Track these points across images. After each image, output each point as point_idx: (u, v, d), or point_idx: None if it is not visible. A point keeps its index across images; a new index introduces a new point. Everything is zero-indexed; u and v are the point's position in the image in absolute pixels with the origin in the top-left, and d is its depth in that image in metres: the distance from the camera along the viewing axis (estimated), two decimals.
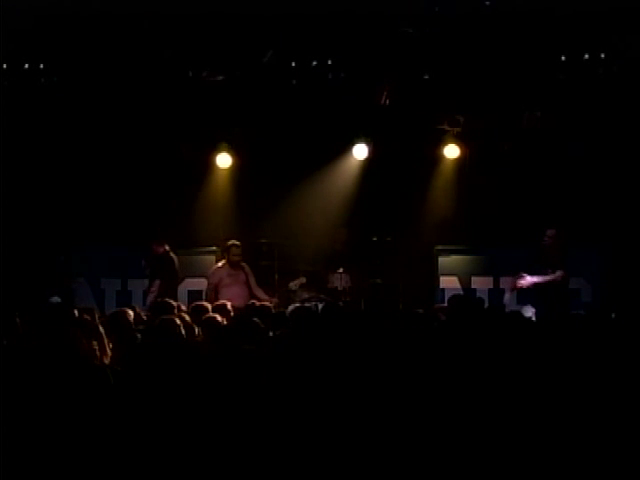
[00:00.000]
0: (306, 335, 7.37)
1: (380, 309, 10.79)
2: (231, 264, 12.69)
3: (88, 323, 7.91)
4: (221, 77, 12.53)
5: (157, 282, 12.41)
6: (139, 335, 7.89)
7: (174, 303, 9.79)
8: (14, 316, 8.30)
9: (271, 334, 8.07)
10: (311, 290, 12.76)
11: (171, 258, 12.63)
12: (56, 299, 11.86)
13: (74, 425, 5.56)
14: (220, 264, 12.79)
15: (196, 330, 7.98)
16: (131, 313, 8.73)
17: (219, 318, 8.42)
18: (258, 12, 11.46)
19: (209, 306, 9.58)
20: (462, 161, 13.26)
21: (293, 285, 12.69)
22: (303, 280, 12.67)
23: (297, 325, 8.02)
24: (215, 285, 12.63)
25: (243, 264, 12.78)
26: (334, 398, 5.91)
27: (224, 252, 12.85)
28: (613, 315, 8.83)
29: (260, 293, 12.57)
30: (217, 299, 11.68)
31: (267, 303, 10.19)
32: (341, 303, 12.21)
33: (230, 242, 12.73)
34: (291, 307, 10.10)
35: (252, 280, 12.77)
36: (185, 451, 5.56)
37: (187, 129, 12.95)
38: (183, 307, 10.08)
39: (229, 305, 9.78)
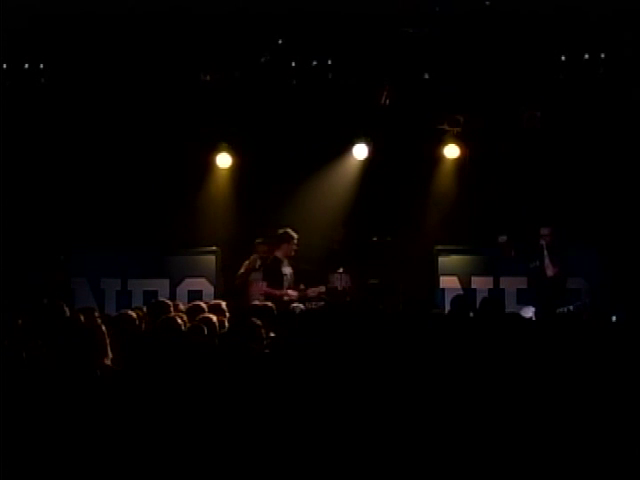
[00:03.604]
0: (306, 335, 7.37)
1: (378, 309, 10.78)
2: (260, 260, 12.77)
3: (86, 324, 7.91)
4: (221, 77, 12.54)
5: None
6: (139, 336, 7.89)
7: (169, 302, 9.81)
8: (14, 317, 8.30)
9: (272, 334, 8.08)
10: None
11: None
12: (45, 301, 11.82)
13: (73, 426, 5.57)
14: (252, 257, 12.86)
15: (205, 329, 7.95)
16: (134, 315, 8.71)
17: (214, 318, 8.41)
18: (258, 12, 11.47)
19: (205, 306, 9.58)
20: (462, 161, 13.26)
21: (312, 292, 12.55)
22: (322, 289, 12.53)
23: (297, 325, 8.02)
24: (245, 276, 12.72)
25: None
26: (334, 398, 5.91)
27: (253, 250, 12.88)
28: (614, 318, 8.84)
29: (290, 292, 12.54)
30: (248, 291, 12.21)
31: (269, 303, 10.17)
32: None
33: (258, 240, 12.79)
34: (292, 306, 10.09)
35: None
36: (186, 451, 5.57)
37: (187, 129, 12.94)
38: (181, 307, 10.07)
39: (224, 305, 9.79)
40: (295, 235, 12.29)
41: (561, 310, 10.80)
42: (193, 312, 9.08)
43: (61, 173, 13.34)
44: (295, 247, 12.34)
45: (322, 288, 12.48)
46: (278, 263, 12.27)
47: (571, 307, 10.91)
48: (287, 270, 12.35)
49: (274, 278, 12.19)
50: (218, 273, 13.34)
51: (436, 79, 12.45)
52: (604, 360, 6.55)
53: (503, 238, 12.13)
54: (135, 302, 12.58)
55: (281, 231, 12.35)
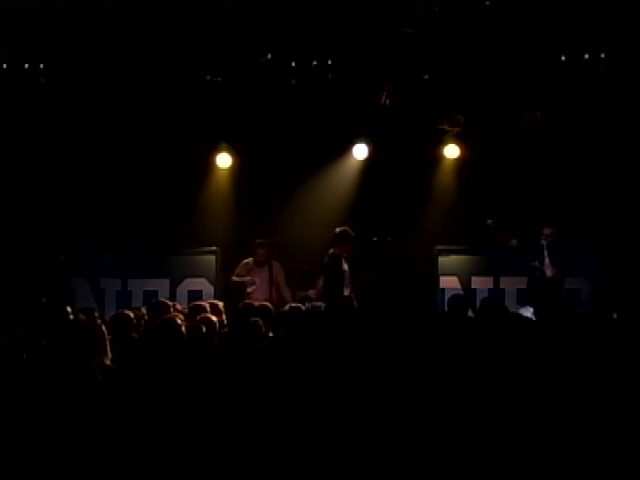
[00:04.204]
0: (304, 335, 7.38)
1: (377, 309, 10.78)
2: (256, 263, 12.75)
3: (86, 324, 7.92)
4: (221, 77, 12.55)
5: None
6: (138, 336, 7.89)
7: (169, 302, 9.80)
8: (13, 317, 8.30)
9: (271, 334, 8.09)
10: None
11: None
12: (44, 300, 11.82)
13: (73, 426, 5.57)
14: (248, 260, 12.83)
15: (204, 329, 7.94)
16: (132, 315, 8.70)
17: (214, 318, 8.42)
18: (258, 12, 11.47)
19: (207, 305, 9.58)
20: (462, 161, 13.25)
21: (312, 293, 12.58)
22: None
23: (296, 325, 8.03)
24: (241, 278, 12.70)
25: (274, 263, 12.79)
26: (335, 398, 5.91)
27: (252, 250, 12.86)
28: (615, 315, 8.84)
29: (286, 293, 12.59)
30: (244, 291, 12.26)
31: (268, 303, 10.16)
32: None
33: (257, 241, 12.76)
34: (287, 307, 10.07)
35: (281, 279, 12.76)
36: (186, 451, 5.57)
37: (187, 129, 12.94)
38: (179, 306, 10.07)
39: (221, 305, 9.79)
40: (353, 233, 12.47)
41: None
42: (195, 312, 9.08)
43: (61, 173, 13.34)
44: (351, 245, 12.51)
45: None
46: (339, 260, 12.36)
47: None
48: (345, 267, 12.48)
49: (335, 274, 12.28)
50: (218, 273, 13.34)
51: (436, 79, 12.44)
52: (604, 360, 6.54)
53: (490, 222, 12.18)
54: (135, 302, 12.59)
55: (339, 230, 12.52)
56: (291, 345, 7.13)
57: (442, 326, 7.99)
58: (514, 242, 12.26)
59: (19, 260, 12.96)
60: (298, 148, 13.10)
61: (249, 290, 12.52)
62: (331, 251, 12.41)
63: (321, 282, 12.44)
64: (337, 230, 12.49)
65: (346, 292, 12.32)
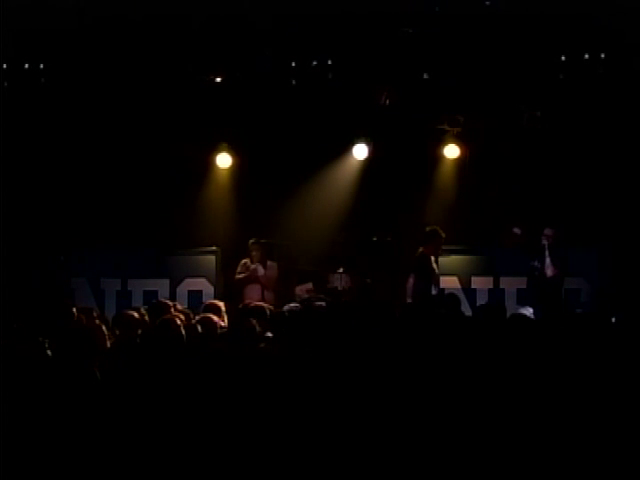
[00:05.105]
0: (303, 336, 7.37)
1: (374, 309, 10.75)
2: (252, 263, 12.79)
3: (86, 324, 7.92)
4: (221, 77, 12.56)
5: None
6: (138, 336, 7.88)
7: (169, 302, 9.79)
8: (13, 317, 8.30)
9: (268, 334, 8.08)
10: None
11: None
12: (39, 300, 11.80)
13: (72, 427, 5.57)
14: (245, 260, 12.92)
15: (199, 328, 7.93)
16: (135, 315, 8.68)
17: (214, 318, 8.40)
18: (258, 12, 11.48)
19: (221, 305, 9.57)
20: (462, 161, 13.26)
21: (299, 290, 12.60)
22: (310, 286, 12.61)
23: (294, 326, 8.01)
24: (239, 279, 12.82)
25: (270, 263, 12.84)
26: (332, 399, 5.91)
27: (247, 249, 12.94)
28: (613, 319, 8.83)
29: (269, 295, 12.59)
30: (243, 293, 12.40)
31: (262, 304, 10.14)
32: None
33: (251, 241, 12.85)
34: (286, 307, 10.05)
35: (271, 279, 12.80)
36: (183, 451, 5.57)
37: (187, 129, 12.95)
38: (179, 306, 10.06)
39: (222, 305, 9.78)
40: (444, 234, 12.46)
41: None
42: (207, 312, 9.04)
43: (61, 173, 13.35)
44: (441, 246, 12.53)
45: (309, 285, 12.54)
46: (428, 259, 12.38)
47: None
48: (435, 266, 12.51)
49: (424, 273, 12.30)
50: (218, 273, 13.34)
51: (436, 79, 12.46)
52: (604, 360, 6.54)
53: (517, 230, 12.19)
54: (135, 302, 12.59)
55: (429, 229, 12.53)
56: (294, 345, 7.12)
57: (438, 326, 7.99)
58: (517, 230, 12.27)
59: (19, 260, 12.97)
60: (298, 148, 13.11)
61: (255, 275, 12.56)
62: (420, 250, 12.41)
63: (411, 281, 12.41)
64: (427, 229, 12.50)
65: (434, 291, 12.31)
